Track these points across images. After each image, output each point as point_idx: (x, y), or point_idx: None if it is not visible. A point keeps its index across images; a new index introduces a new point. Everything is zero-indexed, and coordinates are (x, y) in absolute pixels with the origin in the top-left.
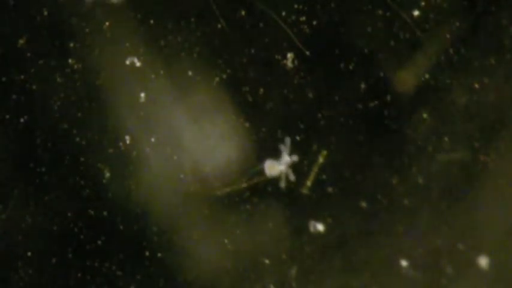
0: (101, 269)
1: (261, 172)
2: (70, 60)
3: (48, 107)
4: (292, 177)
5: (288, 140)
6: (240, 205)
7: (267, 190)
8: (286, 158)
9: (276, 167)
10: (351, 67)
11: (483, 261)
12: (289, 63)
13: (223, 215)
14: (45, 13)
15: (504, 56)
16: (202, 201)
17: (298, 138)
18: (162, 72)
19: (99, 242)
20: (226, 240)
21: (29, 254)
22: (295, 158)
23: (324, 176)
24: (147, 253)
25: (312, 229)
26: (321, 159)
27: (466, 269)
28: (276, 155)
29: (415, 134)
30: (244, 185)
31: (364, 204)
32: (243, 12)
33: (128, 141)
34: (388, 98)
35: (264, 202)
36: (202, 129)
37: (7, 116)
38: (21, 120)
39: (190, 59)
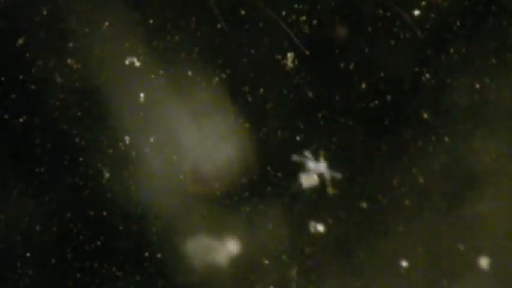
0: (100, 269)
1: (299, 187)
2: (69, 60)
3: (47, 107)
4: (338, 175)
5: (307, 153)
6: (240, 205)
7: (267, 190)
8: (319, 166)
9: (313, 177)
10: (351, 67)
11: (483, 262)
12: (289, 63)
13: (223, 215)
14: (45, 13)
15: (505, 56)
16: (202, 201)
17: (298, 138)
18: (161, 72)
19: (99, 243)
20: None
21: (28, 254)
22: (322, 165)
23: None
24: (146, 254)
25: (312, 229)
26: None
27: (466, 269)
28: (276, 156)
29: (415, 134)
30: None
31: (364, 204)
32: (243, 12)
33: (127, 142)
34: (388, 98)
35: (264, 202)
36: (202, 129)
37: (6, 116)
38: (21, 120)
39: (190, 59)
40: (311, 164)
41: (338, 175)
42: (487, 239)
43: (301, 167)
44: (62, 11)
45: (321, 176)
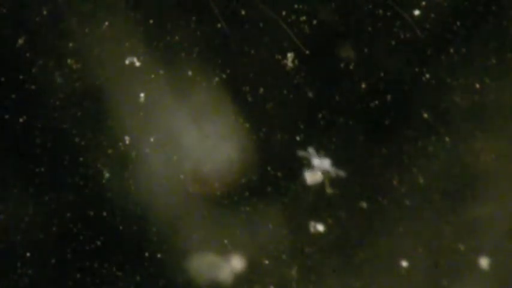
0: (100, 269)
1: (301, 183)
2: (69, 60)
3: (47, 107)
4: (342, 172)
5: (311, 149)
6: (240, 205)
7: (266, 190)
8: (323, 163)
9: (317, 174)
10: (351, 67)
11: (483, 262)
12: (289, 63)
13: (223, 215)
14: (45, 13)
15: (505, 56)
16: (202, 201)
17: (298, 138)
18: (161, 72)
19: (99, 243)
20: (226, 241)
21: (28, 254)
22: (326, 162)
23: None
24: (146, 253)
25: (312, 229)
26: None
27: (466, 269)
28: (276, 156)
29: (415, 134)
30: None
31: (364, 204)
32: (243, 12)
33: (127, 142)
34: (388, 98)
35: (264, 202)
36: (202, 129)
37: (7, 116)
38: (21, 120)
39: (190, 59)
40: (316, 160)
41: (342, 172)
42: (487, 239)
43: (302, 167)
44: (62, 11)
45: (325, 173)
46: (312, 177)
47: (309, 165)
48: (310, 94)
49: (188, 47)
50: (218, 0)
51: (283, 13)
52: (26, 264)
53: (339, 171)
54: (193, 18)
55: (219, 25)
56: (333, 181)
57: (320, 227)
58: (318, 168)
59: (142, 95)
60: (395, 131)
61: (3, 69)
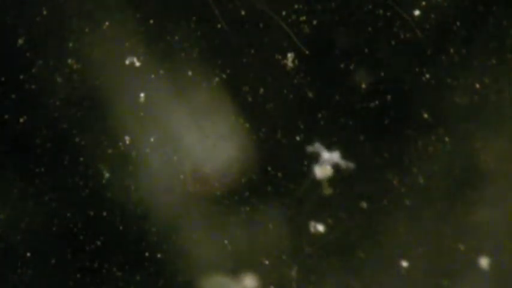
0: (100, 269)
1: (310, 177)
2: (69, 60)
3: (48, 107)
4: (351, 165)
5: (318, 145)
6: (240, 205)
7: (267, 190)
8: (333, 156)
9: (327, 168)
10: (351, 67)
11: (483, 262)
12: (289, 63)
13: (223, 215)
14: (45, 13)
15: (505, 56)
16: (202, 201)
17: (298, 138)
18: (162, 72)
19: (99, 243)
20: (226, 241)
21: (28, 254)
22: (336, 155)
23: None
24: (146, 253)
25: (312, 229)
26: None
27: (466, 269)
28: (276, 156)
29: (415, 134)
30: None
31: (364, 204)
32: (243, 12)
33: (127, 142)
34: (388, 98)
35: (264, 202)
36: (202, 129)
37: (7, 116)
38: (21, 120)
39: (190, 59)
40: (325, 154)
41: (351, 165)
42: (487, 239)
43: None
44: (62, 11)
45: (335, 166)
46: (321, 171)
47: (317, 160)
48: (310, 94)
49: (188, 47)
50: (218, 0)
51: (283, 13)
52: (26, 264)
53: (348, 164)
54: (193, 18)
55: (219, 25)
56: (333, 181)
57: (320, 227)
58: (328, 162)
59: (142, 95)
60: (395, 131)
61: (3, 69)
